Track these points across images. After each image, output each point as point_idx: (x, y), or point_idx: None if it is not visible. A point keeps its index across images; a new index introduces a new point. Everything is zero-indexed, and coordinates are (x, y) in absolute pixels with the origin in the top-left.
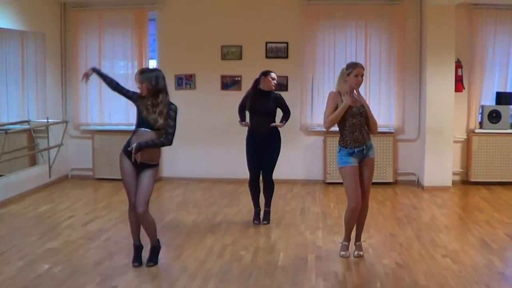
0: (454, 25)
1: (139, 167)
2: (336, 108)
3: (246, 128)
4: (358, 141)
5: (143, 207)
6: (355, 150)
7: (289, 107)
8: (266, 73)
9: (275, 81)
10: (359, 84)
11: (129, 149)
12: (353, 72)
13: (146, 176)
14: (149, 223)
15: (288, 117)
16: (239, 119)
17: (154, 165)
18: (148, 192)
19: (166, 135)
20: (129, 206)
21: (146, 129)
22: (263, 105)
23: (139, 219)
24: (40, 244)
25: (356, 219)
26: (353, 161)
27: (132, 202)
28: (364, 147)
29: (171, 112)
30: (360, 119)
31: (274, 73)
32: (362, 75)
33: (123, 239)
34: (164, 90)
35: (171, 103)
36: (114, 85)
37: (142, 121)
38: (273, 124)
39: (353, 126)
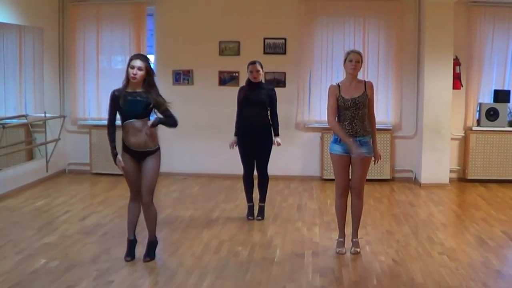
0: (453, 22)
1: (140, 158)
2: (337, 101)
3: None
4: (345, 131)
5: (149, 196)
6: (339, 138)
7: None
8: (248, 64)
9: (258, 72)
10: (354, 69)
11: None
12: (348, 57)
13: (149, 165)
14: (152, 214)
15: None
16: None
17: (154, 150)
18: (152, 181)
19: (172, 116)
20: (130, 196)
21: (135, 120)
22: (256, 97)
23: (144, 209)
24: (36, 239)
25: (344, 210)
26: (338, 149)
27: (134, 193)
28: (351, 139)
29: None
30: (354, 111)
31: (257, 63)
32: (358, 61)
33: (120, 234)
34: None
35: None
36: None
37: (127, 114)
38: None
39: (345, 117)
